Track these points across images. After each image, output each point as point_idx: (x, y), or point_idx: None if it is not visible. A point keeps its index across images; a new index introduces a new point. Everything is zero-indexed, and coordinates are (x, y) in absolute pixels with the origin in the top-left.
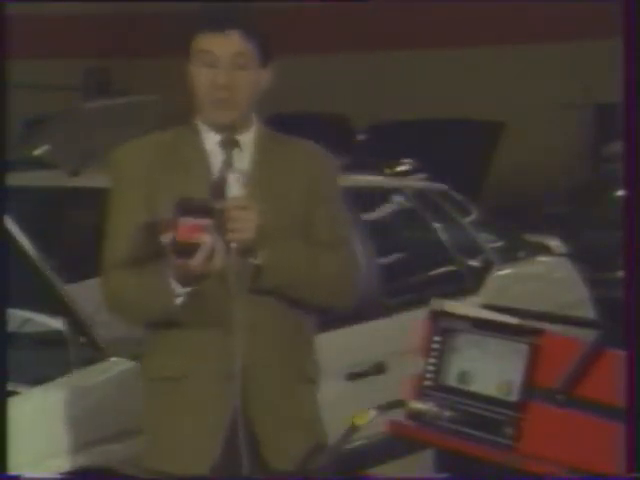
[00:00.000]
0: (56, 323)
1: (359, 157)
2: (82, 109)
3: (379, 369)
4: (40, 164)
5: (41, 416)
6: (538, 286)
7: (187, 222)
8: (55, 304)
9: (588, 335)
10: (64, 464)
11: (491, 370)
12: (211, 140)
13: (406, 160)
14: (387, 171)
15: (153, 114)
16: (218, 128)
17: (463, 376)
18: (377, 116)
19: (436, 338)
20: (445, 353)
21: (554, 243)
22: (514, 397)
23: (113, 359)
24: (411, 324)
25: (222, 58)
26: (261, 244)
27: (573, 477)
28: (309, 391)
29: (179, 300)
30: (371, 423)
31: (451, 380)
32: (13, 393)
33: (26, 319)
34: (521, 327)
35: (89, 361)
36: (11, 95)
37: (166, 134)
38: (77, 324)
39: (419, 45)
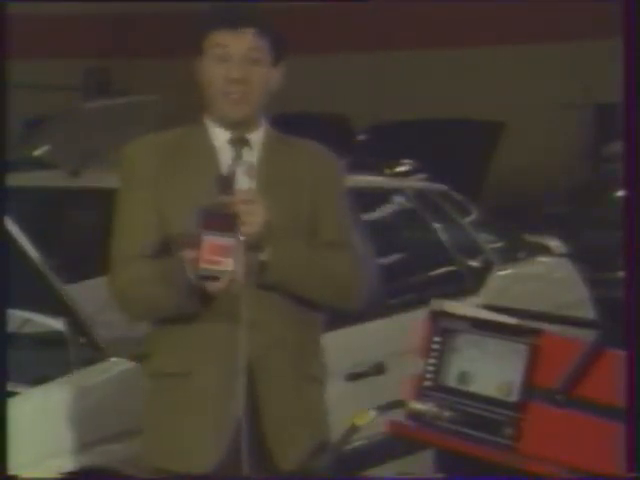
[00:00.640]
0: (56, 323)
1: (359, 157)
2: (82, 109)
3: (379, 369)
4: (40, 164)
5: (41, 416)
6: (538, 286)
7: (210, 241)
8: (55, 304)
9: (588, 335)
10: (64, 464)
11: (491, 370)
12: (220, 138)
13: (406, 160)
14: (387, 171)
15: (153, 114)
16: (228, 125)
17: (463, 376)
18: (377, 116)
19: (436, 338)
20: (445, 353)
21: (554, 243)
22: (514, 397)
23: (113, 359)
24: (411, 324)
25: (236, 53)
26: (267, 240)
27: (573, 477)
28: (315, 389)
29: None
30: (371, 423)
31: (451, 380)
32: (13, 393)
33: (26, 319)
34: (521, 327)
35: (89, 361)
36: (11, 95)
37: (175, 132)
38: (77, 324)
39: (419, 45)
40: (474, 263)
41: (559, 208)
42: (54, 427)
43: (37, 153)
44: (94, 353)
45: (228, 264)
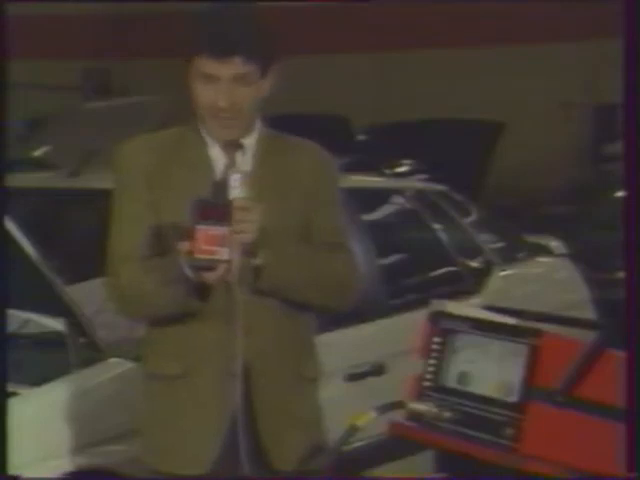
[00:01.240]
0: (56, 324)
1: (359, 157)
2: (82, 110)
3: (379, 370)
4: (40, 165)
5: (41, 417)
6: (538, 287)
7: (205, 231)
8: (55, 305)
9: (588, 336)
10: (64, 465)
11: (491, 371)
12: (214, 142)
13: (406, 160)
14: (387, 171)
15: (153, 114)
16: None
17: (463, 377)
18: (377, 116)
19: (436, 339)
20: (445, 354)
21: (554, 244)
22: (514, 398)
23: (113, 360)
24: (411, 325)
25: (222, 80)
26: (262, 245)
27: (573, 477)
28: (310, 390)
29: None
30: (371, 424)
31: (451, 381)
32: (13, 394)
33: (26, 320)
34: (521, 328)
35: (89, 362)
36: (11, 95)
37: (169, 133)
38: (77, 325)
39: (419, 45)
40: (474, 263)
41: (559, 208)
42: (54, 428)
43: (37, 154)
44: (94, 354)
45: (223, 253)
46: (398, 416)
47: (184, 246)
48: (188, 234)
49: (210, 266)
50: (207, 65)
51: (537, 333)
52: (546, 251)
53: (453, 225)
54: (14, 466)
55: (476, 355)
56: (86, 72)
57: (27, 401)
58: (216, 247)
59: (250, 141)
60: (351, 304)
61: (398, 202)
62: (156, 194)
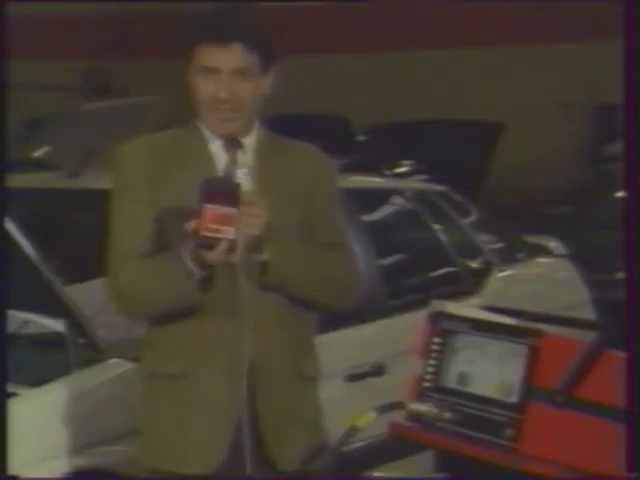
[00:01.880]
0: (56, 324)
1: (359, 158)
2: (82, 110)
3: (379, 370)
4: (40, 165)
5: (41, 417)
6: (538, 287)
7: (212, 210)
8: (55, 305)
9: (588, 336)
10: (64, 465)
11: (491, 371)
12: (214, 141)
13: (406, 161)
14: (387, 172)
15: (153, 114)
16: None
17: (463, 377)
18: (377, 116)
19: (436, 339)
20: (445, 354)
21: (554, 244)
22: (514, 398)
23: (113, 360)
24: (411, 325)
25: (223, 72)
26: (267, 241)
27: (573, 478)
28: (310, 390)
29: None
30: (371, 424)
31: (451, 381)
32: (13, 394)
33: (26, 320)
34: (520, 328)
35: (89, 362)
36: (11, 95)
37: (170, 133)
38: (77, 325)
39: (419, 45)
40: (474, 264)
41: (559, 208)
42: (54, 428)
43: (37, 154)
44: (94, 354)
45: (229, 232)
46: (398, 416)
47: (191, 225)
48: (196, 214)
49: (214, 244)
50: (208, 56)
51: (537, 333)
52: (546, 251)
53: (453, 225)
54: (14, 466)
55: (476, 355)
56: (86, 72)
57: (27, 401)
58: (222, 226)
59: (250, 141)
60: (353, 303)
61: (398, 202)
62: (156, 194)
